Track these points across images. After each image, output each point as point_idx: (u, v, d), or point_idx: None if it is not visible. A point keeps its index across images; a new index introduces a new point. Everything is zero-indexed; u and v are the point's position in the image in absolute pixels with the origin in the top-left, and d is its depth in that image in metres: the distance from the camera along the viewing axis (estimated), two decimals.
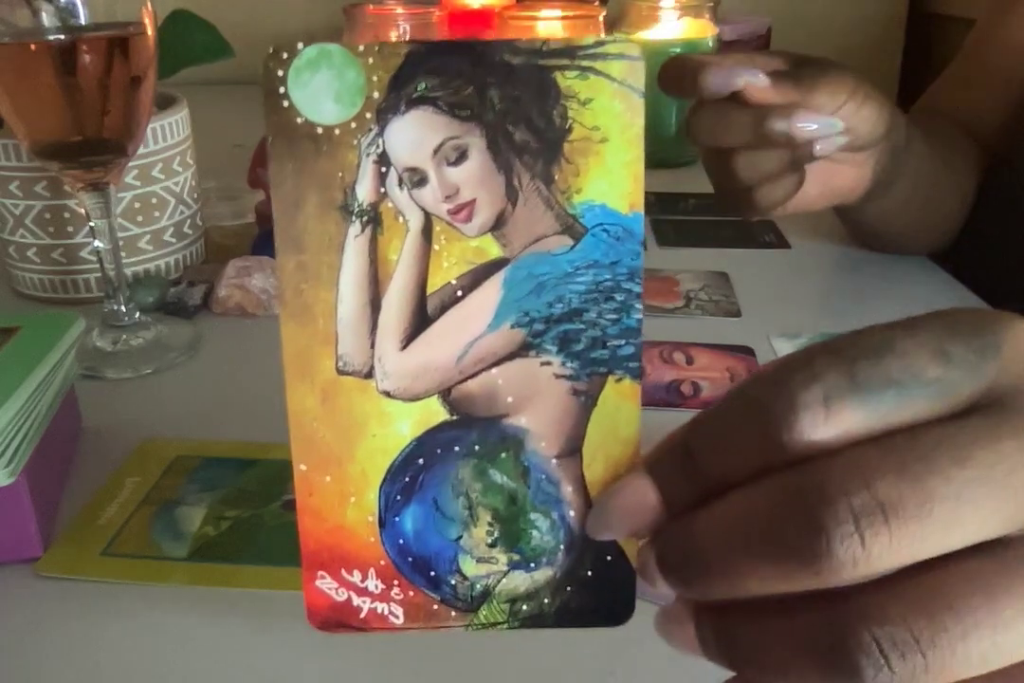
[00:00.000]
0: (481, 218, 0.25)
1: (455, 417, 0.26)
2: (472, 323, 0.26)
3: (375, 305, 0.26)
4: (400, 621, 0.27)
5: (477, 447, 0.26)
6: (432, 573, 0.27)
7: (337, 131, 0.25)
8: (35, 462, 0.42)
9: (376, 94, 0.25)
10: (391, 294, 0.26)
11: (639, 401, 0.26)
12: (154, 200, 0.68)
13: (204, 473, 0.48)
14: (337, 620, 0.27)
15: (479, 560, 0.27)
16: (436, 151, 0.25)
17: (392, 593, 0.27)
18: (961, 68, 0.80)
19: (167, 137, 0.68)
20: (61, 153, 0.56)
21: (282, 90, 0.24)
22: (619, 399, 0.26)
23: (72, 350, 0.50)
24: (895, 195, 0.67)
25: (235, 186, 0.82)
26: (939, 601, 0.21)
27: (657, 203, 0.88)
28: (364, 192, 0.25)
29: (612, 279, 0.25)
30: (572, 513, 0.26)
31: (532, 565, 0.27)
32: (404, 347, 0.26)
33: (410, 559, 0.27)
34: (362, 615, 0.27)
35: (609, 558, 0.26)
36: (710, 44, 0.96)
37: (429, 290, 0.26)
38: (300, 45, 0.24)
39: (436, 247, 0.26)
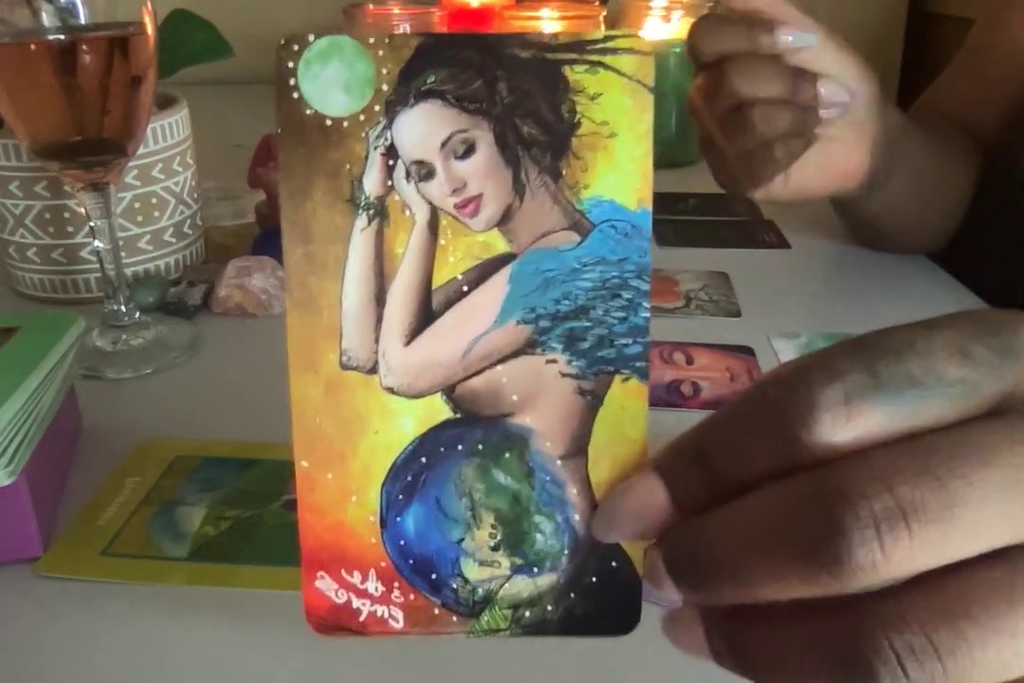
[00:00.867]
0: (488, 212, 0.25)
1: (459, 415, 0.26)
2: (477, 319, 0.25)
3: (380, 299, 0.26)
4: (400, 625, 0.27)
5: (481, 446, 0.26)
6: (433, 576, 0.26)
7: (346, 123, 0.25)
8: (35, 462, 0.42)
9: (385, 86, 0.24)
10: (396, 288, 0.26)
11: (646, 401, 0.26)
12: (154, 200, 0.68)
13: (204, 473, 0.48)
14: (336, 623, 0.27)
15: (481, 563, 0.26)
16: (444, 144, 0.25)
17: (392, 596, 0.26)
18: (960, 68, 0.80)
19: (167, 137, 0.68)
20: (61, 153, 0.56)
21: (292, 81, 0.24)
22: (626, 399, 0.26)
23: (72, 350, 0.50)
24: (894, 189, 0.67)
25: (235, 186, 0.82)
26: (959, 608, 0.20)
27: (657, 203, 0.87)
28: (371, 185, 0.25)
29: (619, 276, 0.25)
30: (577, 516, 0.26)
31: (535, 570, 0.26)
32: (408, 343, 0.26)
33: (411, 561, 0.26)
34: (361, 618, 0.27)
35: (615, 564, 0.26)
36: None
37: (434, 285, 0.25)
38: (311, 37, 0.24)
39: (442, 241, 0.25)
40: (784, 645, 0.22)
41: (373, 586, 0.26)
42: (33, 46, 0.53)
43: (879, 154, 0.64)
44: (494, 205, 0.25)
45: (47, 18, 0.53)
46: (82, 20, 0.54)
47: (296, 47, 0.24)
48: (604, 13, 0.92)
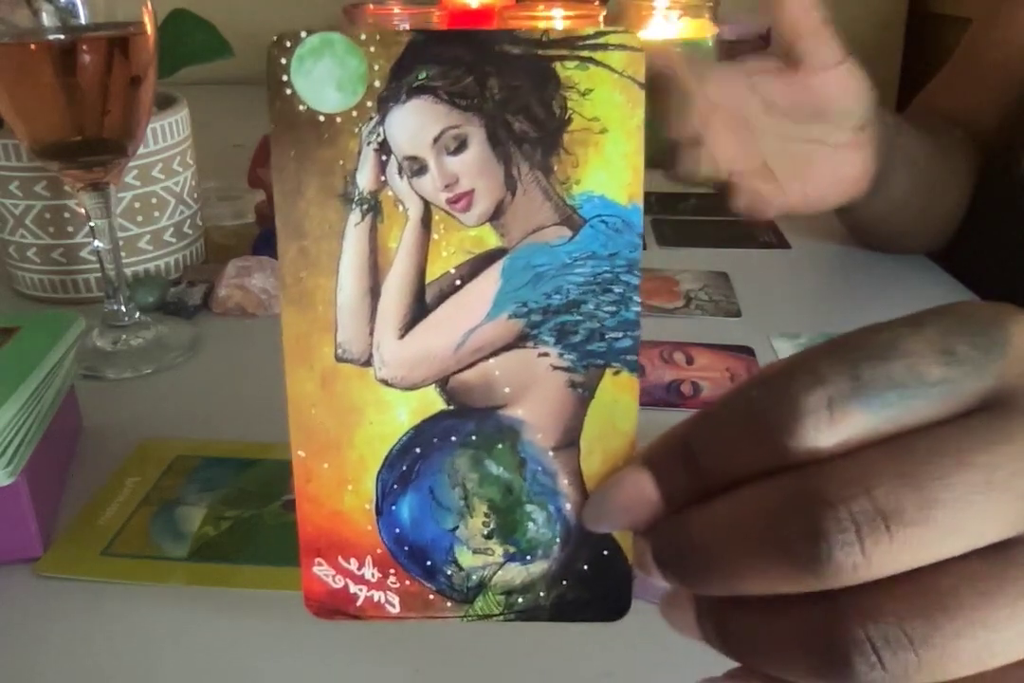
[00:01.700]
0: (480, 208, 0.25)
1: (452, 407, 0.26)
2: (470, 312, 0.26)
3: (374, 293, 0.26)
4: (396, 610, 0.27)
5: (474, 437, 0.26)
6: (428, 563, 0.27)
7: (338, 119, 0.25)
8: (35, 462, 0.42)
9: (377, 83, 0.25)
10: (390, 282, 0.26)
11: (637, 394, 0.26)
12: (154, 200, 0.68)
13: (204, 473, 0.48)
14: (334, 607, 0.27)
15: (475, 551, 0.27)
16: (436, 140, 0.25)
17: (388, 582, 0.27)
18: (958, 67, 0.80)
19: (167, 137, 0.68)
20: (61, 153, 0.56)
21: (285, 78, 0.24)
22: (617, 392, 0.26)
23: (72, 350, 0.50)
24: (893, 189, 0.67)
25: (235, 186, 0.82)
26: (933, 600, 0.21)
27: (657, 203, 0.87)
28: (364, 180, 0.25)
29: (610, 271, 0.25)
30: (568, 506, 0.26)
31: (528, 557, 0.27)
32: (402, 336, 0.26)
33: (406, 548, 0.27)
34: (358, 603, 0.27)
35: (606, 553, 0.26)
36: (710, 44, 0.96)
37: (428, 279, 0.26)
38: (303, 33, 0.24)
39: (435, 236, 0.26)
40: (767, 632, 0.22)
41: (369, 572, 0.27)
42: (33, 46, 0.53)
43: (881, 156, 0.64)
44: (486, 200, 0.25)
45: (47, 18, 0.53)
46: (82, 20, 0.54)
47: (288, 44, 0.24)
48: (604, 13, 0.92)
